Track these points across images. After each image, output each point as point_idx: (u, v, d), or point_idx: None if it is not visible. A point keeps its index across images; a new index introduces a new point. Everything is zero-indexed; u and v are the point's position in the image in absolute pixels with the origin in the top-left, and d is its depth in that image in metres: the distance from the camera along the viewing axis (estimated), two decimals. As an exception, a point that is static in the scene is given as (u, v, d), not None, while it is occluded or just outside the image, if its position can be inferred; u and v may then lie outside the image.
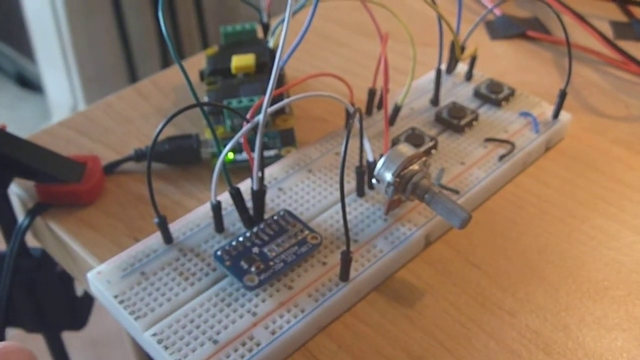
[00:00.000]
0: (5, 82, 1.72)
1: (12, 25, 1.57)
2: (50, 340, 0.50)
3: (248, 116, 0.34)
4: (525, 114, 0.44)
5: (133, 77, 1.39)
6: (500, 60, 0.52)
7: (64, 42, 1.34)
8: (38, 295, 0.45)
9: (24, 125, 1.53)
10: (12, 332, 0.46)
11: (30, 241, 0.43)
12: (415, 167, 0.35)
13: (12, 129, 0.39)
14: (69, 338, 0.53)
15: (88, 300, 0.48)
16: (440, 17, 0.41)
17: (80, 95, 1.40)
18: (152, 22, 1.38)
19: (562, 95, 0.42)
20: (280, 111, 0.41)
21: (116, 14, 1.32)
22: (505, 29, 0.56)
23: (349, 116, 0.40)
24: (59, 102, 1.48)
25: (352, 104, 0.35)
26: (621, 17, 0.58)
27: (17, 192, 0.41)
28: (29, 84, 1.68)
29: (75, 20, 1.31)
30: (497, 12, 0.58)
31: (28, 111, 1.63)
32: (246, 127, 0.33)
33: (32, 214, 0.39)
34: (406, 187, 0.35)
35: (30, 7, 1.36)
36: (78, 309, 0.47)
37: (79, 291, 0.48)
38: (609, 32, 0.56)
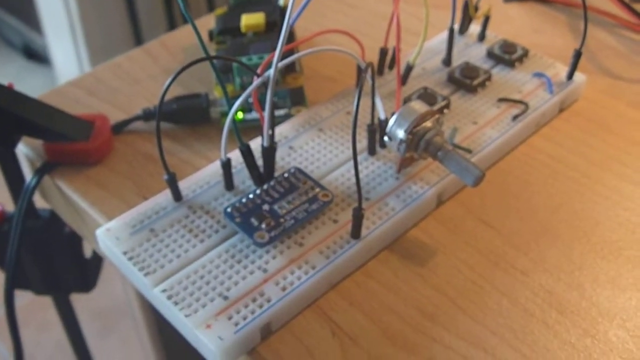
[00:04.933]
0: (12, 54, 1.72)
1: (19, -3, 1.56)
2: (59, 302, 0.50)
3: (258, 71, 0.33)
4: (539, 75, 0.43)
5: (140, 48, 1.38)
6: (513, 22, 0.52)
7: (71, 14, 1.33)
8: (46, 256, 0.45)
9: (31, 97, 1.52)
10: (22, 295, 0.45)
11: (39, 203, 0.43)
12: (428, 124, 0.34)
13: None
14: (75, 309, 0.53)
15: (97, 262, 0.48)
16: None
17: (87, 67, 1.39)
18: (159, -8, 1.37)
19: (577, 55, 0.42)
20: (291, 69, 0.41)
21: (123, -16, 1.31)
22: (518, -9, 0.55)
23: (360, 73, 0.40)
24: (66, 74, 1.48)
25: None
26: (637, -20, 0.57)
27: (25, 151, 0.41)
28: (36, 55, 1.67)
29: (83, -9, 1.30)
30: (510, -25, 0.57)
31: (35, 83, 1.62)
32: (257, 81, 0.32)
33: (40, 173, 0.39)
34: (419, 145, 0.34)
35: (36, -22, 1.36)
36: (87, 271, 0.47)
37: (88, 254, 0.47)
38: (624, -6, 0.55)
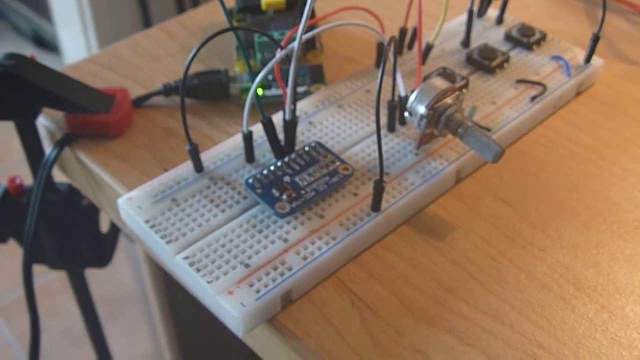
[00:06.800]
0: (22, 42, 1.72)
1: (28, -15, 1.57)
2: (74, 277, 0.50)
3: (282, 44, 0.33)
4: (556, 58, 0.43)
5: (150, 37, 1.38)
6: (530, 8, 0.52)
7: (81, 2, 1.33)
8: (64, 230, 0.45)
9: (40, 85, 1.52)
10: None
11: (56, 178, 0.43)
12: (449, 100, 0.34)
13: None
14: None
15: (113, 238, 0.48)
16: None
17: (97, 55, 1.39)
18: (170, -19, 1.37)
19: (595, 39, 0.42)
20: (311, 47, 0.41)
21: (134, -28, 1.31)
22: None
23: (380, 51, 0.40)
24: (75, 62, 1.48)
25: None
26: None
27: (45, 123, 0.41)
28: (46, 44, 1.67)
29: (93, -21, 1.30)
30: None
31: (44, 71, 1.62)
32: (281, 53, 0.32)
33: (60, 144, 0.39)
34: (439, 120, 0.34)
35: (47, -35, 1.36)
36: (103, 246, 0.47)
37: (104, 230, 0.48)
38: (640, -17, 0.55)
